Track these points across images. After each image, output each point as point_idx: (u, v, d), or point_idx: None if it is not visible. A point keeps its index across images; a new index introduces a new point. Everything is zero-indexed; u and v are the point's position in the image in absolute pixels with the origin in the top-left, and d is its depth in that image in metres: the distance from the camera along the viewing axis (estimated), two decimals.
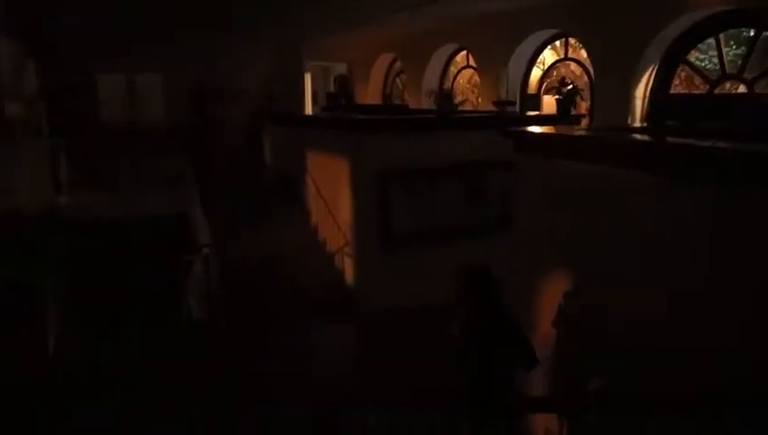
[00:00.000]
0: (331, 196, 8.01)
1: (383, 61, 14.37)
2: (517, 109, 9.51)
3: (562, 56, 10.36)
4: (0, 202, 8.76)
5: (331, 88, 13.65)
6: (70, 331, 7.69)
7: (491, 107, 9.52)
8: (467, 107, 12.58)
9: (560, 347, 4.10)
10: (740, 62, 7.17)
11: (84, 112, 10.67)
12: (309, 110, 12.38)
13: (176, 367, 6.33)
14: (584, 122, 8.36)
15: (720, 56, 7.27)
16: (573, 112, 8.05)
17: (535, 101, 9.48)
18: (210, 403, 5.52)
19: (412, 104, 12.19)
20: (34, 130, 9.32)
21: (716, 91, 7.34)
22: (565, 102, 7.96)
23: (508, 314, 3.65)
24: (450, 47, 11.71)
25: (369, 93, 14.60)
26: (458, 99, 11.90)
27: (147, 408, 5.52)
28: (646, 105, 7.59)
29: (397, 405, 3.53)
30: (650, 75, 7.47)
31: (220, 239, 7.78)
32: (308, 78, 13.51)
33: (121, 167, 9.51)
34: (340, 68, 14.80)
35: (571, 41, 9.79)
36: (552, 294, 4.30)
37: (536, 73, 10.28)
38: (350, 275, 7.63)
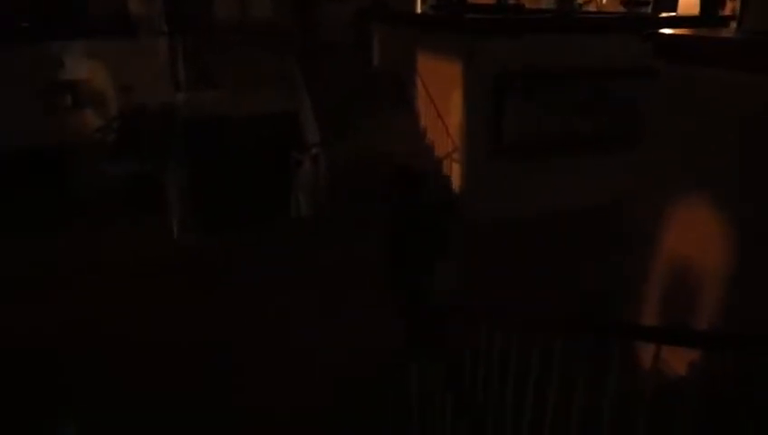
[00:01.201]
0: (442, 99, 7.75)
1: None
2: (650, 9, 8.59)
3: None
4: (122, 99, 9.31)
5: None
6: (190, 221, 8.26)
7: (619, 7, 8.66)
8: (592, 8, 11.55)
9: None
10: None
11: (198, 11, 10.82)
12: (418, 8, 11.82)
13: (282, 262, 6.64)
14: (732, 26, 7.40)
15: None
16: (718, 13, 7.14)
17: (671, 1, 8.50)
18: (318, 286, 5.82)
19: (529, 3, 11.35)
20: (155, 28, 9.58)
21: None
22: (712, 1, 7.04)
23: (434, 209, 4.13)
24: None
25: None
26: None
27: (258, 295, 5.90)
28: None
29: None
30: None
31: (328, 139, 7.84)
32: None
33: (234, 65, 9.68)
34: None
35: None
36: (686, 214, 4.01)
37: None
38: (456, 182, 7.52)
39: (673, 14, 8.15)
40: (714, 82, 3.78)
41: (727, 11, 7.78)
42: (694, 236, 3.94)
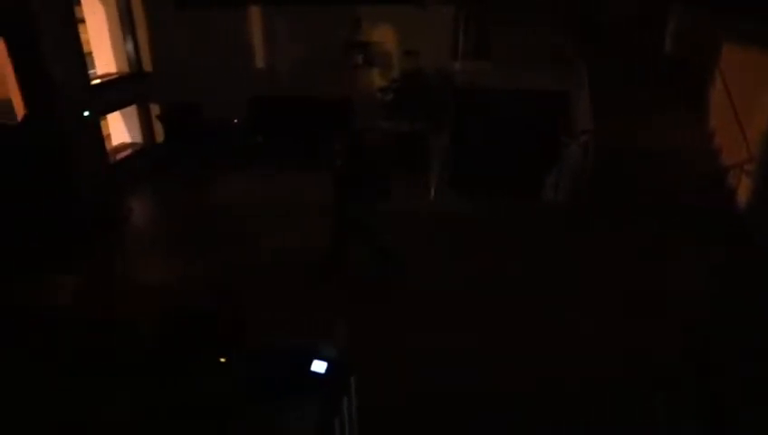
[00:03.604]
0: (744, 98, 6.86)
1: None
2: None
3: None
4: (405, 62, 10.02)
5: None
6: (447, 183, 8.69)
7: None
8: None
9: None
10: None
11: None
12: None
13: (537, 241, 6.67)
14: None
15: None
16: None
17: None
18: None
19: None
20: None
21: None
22: None
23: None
24: None
25: None
26: None
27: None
28: None
29: None
30: None
31: (602, 125, 7.51)
32: None
33: (512, 39, 9.71)
34: None
35: None
36: None
37: None
38: (743, 200, 6.65)
39: None
40: None
41: None
42: None
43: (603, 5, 10.49)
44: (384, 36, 10.03)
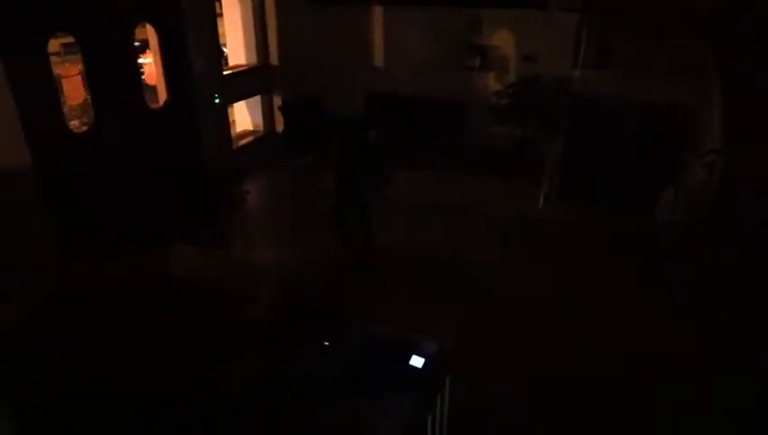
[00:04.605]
0: None
1: None
2: None
3: None
4: (522, 67, 9.87)
5: None
6: (557, 192, 8.52)
7: None
8: None
9: None
10: None
11: None
12: None
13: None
14: None
15: None
16: None
17: None
18: None
19: None
20: (567, 3, 9.75)
21: None
22: None
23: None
24: None
25: None
26: None
27: None
28: None
29: None
30: None
31: (734, 146, 7.02)
32: None
33: (638, 48, 9.30)
34: None
35: None
36: None
37: None
38: None
39: None
40: None
41: None
42: None
43: (751, 10, 9.67)
44: (503, 40, 9.97)
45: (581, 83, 8.97)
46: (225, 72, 9.81)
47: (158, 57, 7.84)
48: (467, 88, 10.22)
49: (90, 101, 7.16)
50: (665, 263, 6.67)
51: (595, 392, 4.67)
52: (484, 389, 4.46)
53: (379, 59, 10.73)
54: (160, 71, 7.95)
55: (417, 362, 3.38)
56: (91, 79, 6.94)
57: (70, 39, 7.29)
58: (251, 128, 11.24)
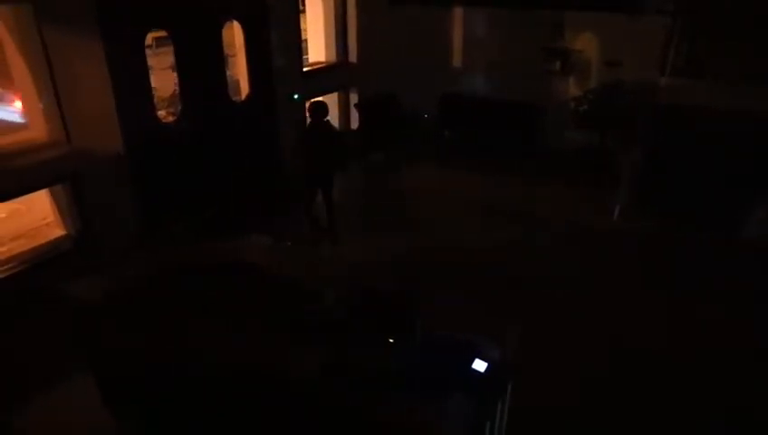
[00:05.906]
0: None
1: None
2: None
3: None
4: (605, 73, 9.53)
5: None
6: (633, 204, 8.21)
7: None
8: None
9: None
10: None
11: None
12: None
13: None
14: None
15: None
16: None
17: None
18: None
19: None
20: (657, 6, 9.34)
21: None
22: None
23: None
24: None
25: None
26: None
27: None
28: None
29: None
30: None
31: None
32: None
33: (732, 55, 8.77)
34: None
35: None
36: None
37: None
38: None
39: None
40: None
41: None
42: None
43: None
44: (585, 44, 9.69)
45: (669, 91, 8.56)
46: (304, 69, 10.04)
47: (243, 52, 8.15)
48: (546, 92, 10.01)
49: (178, 92, 7.55)
50: (753, 284, 6.32)
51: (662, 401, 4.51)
52: (544, 395, 4.41)
53: (457, 60, 10.69)
54: (243, 65, 8.26)
55: (480, 365, 3.37)
56: (181, 72, 7.31)
57: (161, 33, 7.71)
58: None
